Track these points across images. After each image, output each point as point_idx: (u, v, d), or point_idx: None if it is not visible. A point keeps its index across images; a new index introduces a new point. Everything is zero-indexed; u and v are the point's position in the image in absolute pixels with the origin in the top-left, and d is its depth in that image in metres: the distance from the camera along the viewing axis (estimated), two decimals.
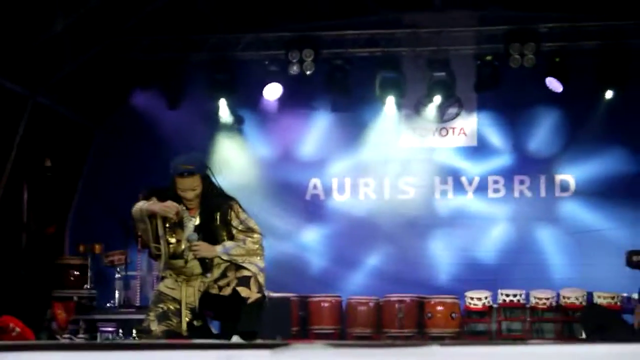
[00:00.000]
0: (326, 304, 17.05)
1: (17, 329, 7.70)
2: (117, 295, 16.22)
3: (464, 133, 18.36)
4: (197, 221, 7.65)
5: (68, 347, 3.42)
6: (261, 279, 7.60)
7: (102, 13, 16.16)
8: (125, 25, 17.41)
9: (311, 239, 18.48)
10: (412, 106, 18.37)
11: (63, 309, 15.64)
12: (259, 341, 7.01)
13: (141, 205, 7.56)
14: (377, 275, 17.98)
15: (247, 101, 18.26)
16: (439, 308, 16.81)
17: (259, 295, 7.51)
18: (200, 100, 17.95)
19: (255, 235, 7.73)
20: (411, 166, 18.50)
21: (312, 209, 18.56)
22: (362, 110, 18.41)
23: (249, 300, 7.45)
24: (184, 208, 7.63)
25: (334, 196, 18.61)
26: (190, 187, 7.55)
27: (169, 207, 7.46)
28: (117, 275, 16.30)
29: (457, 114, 18.33)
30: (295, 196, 18.55)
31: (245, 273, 7.53)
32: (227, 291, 7.55)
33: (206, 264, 7.61)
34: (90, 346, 3.16)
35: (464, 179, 18.38)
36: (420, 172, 18.45)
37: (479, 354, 2.96)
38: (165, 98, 17.81)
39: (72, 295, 16.21)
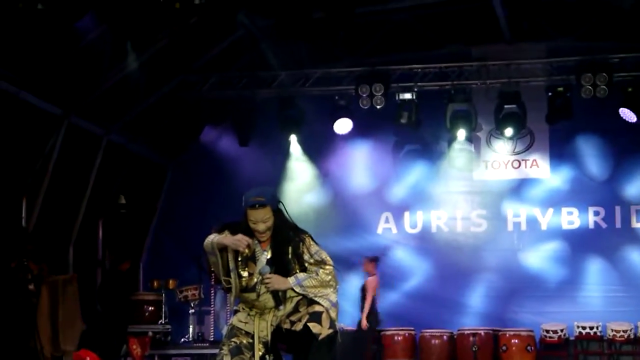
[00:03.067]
0: (399, 338, 17.00)
1: None
2: (191, 330, 16.33)
3: (537, 165, 18.24)
4: (269, 254, 7.64)
5: None
6: (333, 314, 7.52)
7: (172, 52, 16.39)
8: (195, 64, 17.63)
9: (384, 272, 18.43)
10: (484, 139, 18.32)
11: (138, 344, 15.76)
12: None
13: (212, 238, 7.58)
14: (451, 308, 17.89)
15: (317, 136, 18.32)
16: (514, 341, 16.65)
17: (330, 331, 7.44)
18: (270, 136, 18.08)
19: (328, 267, 7.67)
20: (483, 198, 18.42)
21: (384, 242, 18.53)
22: (432, 143, 18.40)
23: (321, 337, 7.39)
24: (256, 242, 7.64)
25: (407, 229, 18.58)
26: (261, 219, 7.53)
27: (240, 241, 7.46)
28: (191, 311, 16.42)
29: (529, 146, 18.23)
30: (367, 230, 18.56)
31: (317, 308, 7.47)
32: (298, 326, 7.49)
33: (279, 297, 7.58)
34: None
35: (536, 211, 18.25)
36: (492, 204, 18.36)
37: None
38: (235, 135, 17.98)
39: (147, 330, 16.34)
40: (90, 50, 15.23)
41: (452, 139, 18.18)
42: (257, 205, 7.51)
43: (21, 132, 15.16)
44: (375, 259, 16.20)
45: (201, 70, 17.79)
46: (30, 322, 13.95)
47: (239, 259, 7.58)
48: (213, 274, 15.41)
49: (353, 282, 17.71)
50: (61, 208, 16.58)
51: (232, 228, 7.67)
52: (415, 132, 17.97)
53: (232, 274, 7.57)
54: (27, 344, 13.67)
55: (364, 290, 16.04)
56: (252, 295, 7.61)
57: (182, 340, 16.41)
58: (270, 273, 7.55)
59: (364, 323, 15.80)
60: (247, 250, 7.51)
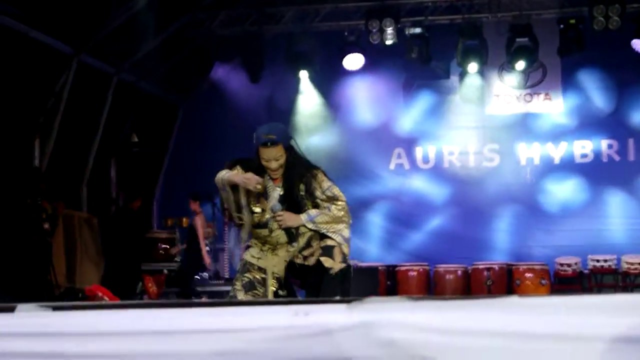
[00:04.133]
0: (414, 273, 17.02)
1: (105, 298, 7.83)
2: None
3: (549, 98, 18.15)
4: (281, 191, 7.63)
5: (137, 306, 3.48)
6: (345, 249, 7.53)
7: None
8: (203, 1, 17.51)
9: (396, 208, 18.47)
10: (495, 73, 18.22)
11: (154, 282, 15.85)
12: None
13: (223, 174, 7.57)
14: (464, 243, 17.88)
15: (327, 72, 18.25)
16: (528, 275, 16.64)
17: (342, 265, 7.45)
18: (280, 72, 18.01)
19: (340, 202, 7.66)
20: (495, 133, 18.36)
21: (396, 178, 18.53)
22: (443, 78, 18.30)
23: (332, 271, 7.41)
24: (269, 178, 7.63)
25: (419, 165, 18.56)
26: (273, 156, 7.52)
27: (250, 179, 7.43)
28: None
29: (541, 80, 18.13)
30: (379, 166, 18.54)
31: (329, 243, 7.47)
32: (311, 261, 7.51)
33: (291, 234, 7.58)
34: (164, 305, 3.21)
35: (549, 145, 18.19)
36: (504, 139, 18.30)
37: (558, 304, 2.94)
38: (246, 71, 17.90)
39: (162, 268, 16.42)
40: None
41: (463, 74, 18.09)
42: (269, 143, 7.49)
43: (32, 71, 15.14)
44: (198, 197, 16.10)
45: (209, 7, 17.66)
46: (46, 258, 14.06)
47: (251, 195, 7.58)
48: (226, 212, 15.42)
49: (367, 218, 17.78)
50: (73, 147, 16.60)
51: (243, 164, 7.66)
52: (426, 67, 17.87)
53: (244, 210, 7.57)
54: (45, 279, 13.80)
55: (192, 229, 15.91)
56: (265, 232, 7.62)
57: (197, 277, 16.48)
58: (282, 210, 7.56)
59: (208, 261, 15.74)
60: (258, 187, 7.50)
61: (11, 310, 3.28)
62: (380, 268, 16.81)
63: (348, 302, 3.16)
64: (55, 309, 3.33)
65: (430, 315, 3.04)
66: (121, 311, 3.24)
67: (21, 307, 3.27)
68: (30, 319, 3.13)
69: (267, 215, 7.57)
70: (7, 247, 13.74)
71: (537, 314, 2.96)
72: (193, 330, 3.12)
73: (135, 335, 3.09)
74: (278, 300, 5.29)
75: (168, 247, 16.70)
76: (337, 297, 6.60)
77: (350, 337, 3.03)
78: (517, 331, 2.98)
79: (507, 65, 17.91)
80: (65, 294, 13.44)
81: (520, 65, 17.42)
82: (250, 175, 7.41)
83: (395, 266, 17.16)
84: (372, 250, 17.88)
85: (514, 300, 3.05)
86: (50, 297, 13.37)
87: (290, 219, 7.52)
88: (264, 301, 5.06)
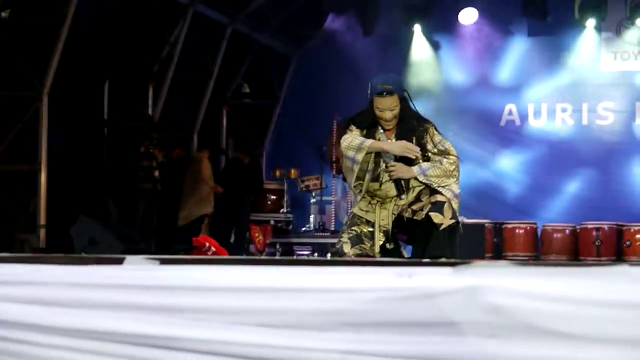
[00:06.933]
0: (521, 231, 16.81)
1: (213, 249, 7.93)
2: (312, 219, 16.48)
3: None
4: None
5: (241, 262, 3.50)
6: (455, 205, 7.47)
7: None
8: None
9: (506, 165, 18.29)
10: (613, 29, 17.81)
11: (261, 232, 15.99)
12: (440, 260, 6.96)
13: (359, 142, 7.47)
14: (574, 202, 17.64)
15: (441, 26, 18.09)
16: (639, 236, 16.33)
17: (452, 221, 7.40)
18: (394, 25, 17.89)
19: (451, 157, 7.61)
20: (611, 91, 17.99)
21: (507, 134, 18.32)
22: (560, 33, 17.95)
23: (442, 227, 7.35)
24: (381, 130, 7.60)
25: (530, 122, 18.32)
26: (388, 107, 7.48)
27: (412, 149, 7.43)
28: (312, 200, 16.55)
29: None
30: (490, 122, 18.34)
31: (440, 198, 7.42)
32: (420, 216, 7.47)
33: (401, 186, 7.55)
34: (269, 262, 3.25)
35: None
36: (620, 96, 17.91)
37: None
38: (360, 24, 17.83)
39: (269, 219, 16.56)
40: None
41: (580, 29, 17.72)
42: (384, 93, 7.46)
43: (147, 21, 15.31)
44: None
45: None
46: (157, 206, 14.33)
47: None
48: (335, 165, 15.47)
49: (471, 175, 17.59)
50: (186, 96, 16.79)
51: (357, 121, 7.65)
52: (543, 22, 17.56)
53: (367, 175, 7.54)
54: (156, 226, 14.15)
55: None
56: (375, 185, 7.59)
57: (303, 229, 16.58)
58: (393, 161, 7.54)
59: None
60: (418, 154, 7.47)
61: (119, 262, 3.33)
62: (486, 225, 16.61)
63: (453, 265, 3.13)
64: (162, 262, 3.37)
65: (537, 281, 2.99)
66: (227, 267, 3.26)
67: (130, 259, 3.32)
68: (138, 272, 3.17)
69: (379, 168, 7.56)
70: (121, 195, 14.02)
71: None
72: (297, 288, 3.13)
73: (239, 292, 3.11)
74: (381, 260, 5.26)
75: (276, 197, 16.81)
76: (443, 259, 6.56)
77: (455, 301, 3.00)
78: (627, 301, 2.91)
79: (626, 21, 17.50)
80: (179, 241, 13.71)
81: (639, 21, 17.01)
82: (407, 143, 7.38)
83: (502, 223, 16.96)
84: (476, 204, 17.66)
85: (624, 269, 2.98)
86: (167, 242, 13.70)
87: (403, 170, 7.49)
88: (367, 261, 5.05)
